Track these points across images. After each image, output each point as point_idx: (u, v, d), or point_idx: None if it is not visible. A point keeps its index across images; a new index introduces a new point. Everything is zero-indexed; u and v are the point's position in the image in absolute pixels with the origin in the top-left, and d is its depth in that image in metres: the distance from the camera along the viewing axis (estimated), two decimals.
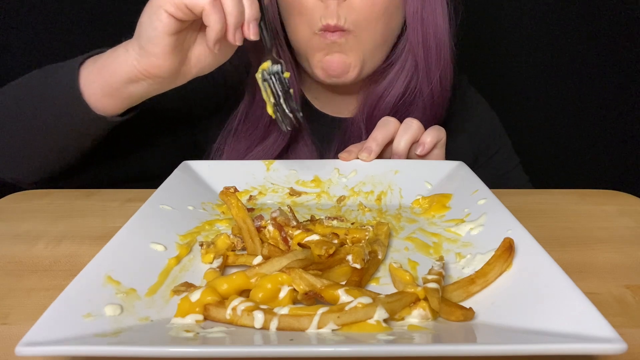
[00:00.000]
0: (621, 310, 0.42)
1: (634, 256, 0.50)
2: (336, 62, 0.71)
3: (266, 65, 0.56)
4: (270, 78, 0.55)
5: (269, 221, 0.50)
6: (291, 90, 0.56)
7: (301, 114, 0.57)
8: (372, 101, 0.78)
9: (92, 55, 0.60)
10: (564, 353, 0.30)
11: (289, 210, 0.52)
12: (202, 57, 0.57)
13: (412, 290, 0.39)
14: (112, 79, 0.54)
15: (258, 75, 0.56)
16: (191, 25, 0.54)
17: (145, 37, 0.50)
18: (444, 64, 0.75)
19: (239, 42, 0.52)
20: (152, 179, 0.61)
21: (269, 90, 0.55)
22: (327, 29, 0.69)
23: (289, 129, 0.58)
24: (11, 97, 0.63)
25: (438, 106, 0.78)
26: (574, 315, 0.33)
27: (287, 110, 0.56)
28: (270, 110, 0.56)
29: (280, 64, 0.56)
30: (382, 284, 0.44)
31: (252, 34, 0.52)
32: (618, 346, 0.29)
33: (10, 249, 0.51)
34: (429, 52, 0.74)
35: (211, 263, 0.46)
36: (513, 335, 0.33)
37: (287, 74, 0.56)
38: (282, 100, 0.55)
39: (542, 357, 0.33)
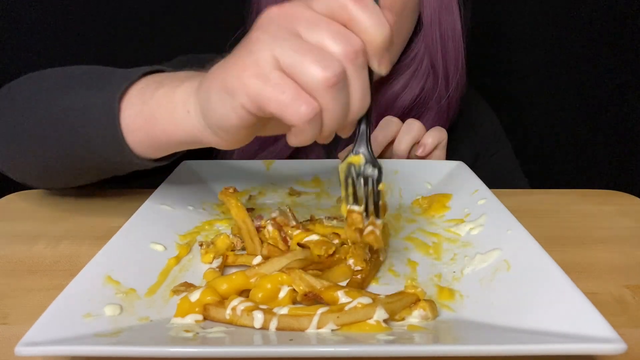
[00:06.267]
0: (621, 310, 0.42)
1: (634, 256, 0.50)
2: None
3: (357, 160, 0.43)
4: (359, 179, 0.42)
5: (268, 221, 0.50)
6: (381, 204, 0.43)
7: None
8: (386, 102, 0.77)
9: (121, 78, 0.46)
10: (563, 353, 0.30)
11: (288, 210, 0.52)
12: (277, 130, 0.45)
13: (412, 291, 0.39)
14: (164, 136, 0.45)
15: (342, 167, 0.43)
16: None
17: (215, 122, 0.40)
18: (461, 66, 0.75)
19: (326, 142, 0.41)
20: (152, 177, 0.60)
21: (350, 190, 0.43)
22: None
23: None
24: (28, 116, 0.52)
25: (453, 107, 0.78)
26: (573, 315, 0.33)
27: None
28: (344, 209, 0.43)
29: (379, 169, 0.42)
30: (382, 284, 0.44)
31: (344, 134, 0.41)
32: (618, 346, 0.29)
33: (10, 249, 0.51)
34: (446, 53, 0.74)
35: (211, 263, 0.46)
36: (513, 335, 0.33)
37: (382, 186, 0.42)
38: (363, 210, 0.43)
39: (542, 357, 0.33)
